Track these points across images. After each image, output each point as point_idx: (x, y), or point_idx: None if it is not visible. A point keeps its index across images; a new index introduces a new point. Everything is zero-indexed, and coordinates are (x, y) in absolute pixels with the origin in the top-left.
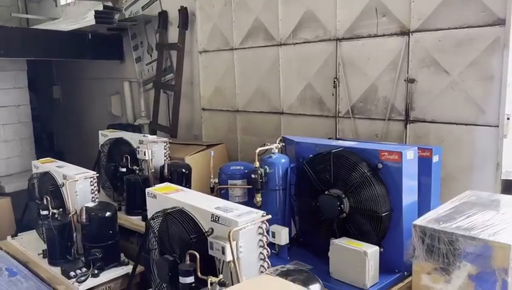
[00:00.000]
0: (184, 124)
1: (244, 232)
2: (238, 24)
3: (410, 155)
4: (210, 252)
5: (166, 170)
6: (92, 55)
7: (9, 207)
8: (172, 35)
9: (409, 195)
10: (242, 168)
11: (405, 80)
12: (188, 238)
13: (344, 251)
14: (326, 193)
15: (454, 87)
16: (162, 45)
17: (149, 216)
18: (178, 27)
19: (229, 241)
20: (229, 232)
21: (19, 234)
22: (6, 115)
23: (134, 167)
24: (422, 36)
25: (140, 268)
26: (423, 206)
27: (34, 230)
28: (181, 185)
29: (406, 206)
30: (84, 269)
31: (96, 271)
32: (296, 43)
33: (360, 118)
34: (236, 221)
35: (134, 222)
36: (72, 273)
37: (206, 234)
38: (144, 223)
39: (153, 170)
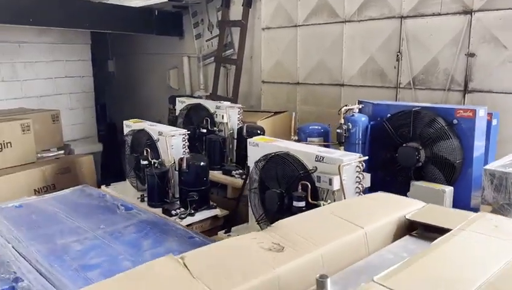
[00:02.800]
0: (241, 95)
1: (347, 168)
2: (303, 2)
3: (482, 113)
4: (317, 184)
5: (245, 131)
6: (157, 31)
7: (92, 163)
8: (234, 12)
9: (479, 148)
10: (319, 127)
11: (465, 54)
12: (295, 174)
13: (423, 190)
14: (404, 145)
15: None
16: (224, 22)
17: (250, 162)
18: (242, 5)
19: (339, 173)
20: (339, 165)
21: (111, 184)
22: (72, 85)
23: (214, 128)
24: (483, 15)
25: (224, 212)
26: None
27: (122, 182)
28: None
29: (476, 157)
30: (182, 209)
31: (192, 211)
32: (361, 20)
33: (420, 88)
34: (342, 159)
35: (215, 175)
36: (173, 212)
37: (310, 171)
38: (224, 175)
39: (231, 131)
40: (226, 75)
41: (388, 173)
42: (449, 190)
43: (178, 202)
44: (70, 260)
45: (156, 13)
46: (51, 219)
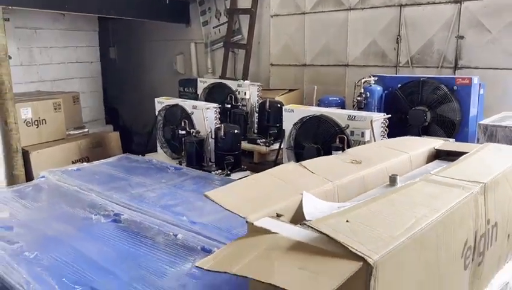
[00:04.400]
0: (250, 77)
1: (376, 123)
2: None
3: (475, 81)
4: (350, 138)
5: (267, 105)
6: (168, 18)
7: (118, 139)
8: (242, 0)
9: (473, 109)
10: (337, 98)
11: (456, 37)
12: (331, 131)
13: None
14: (413, 109)
15: (494, 42)
16: (233, 10)
17: (286, 126)
18: None
19: (371, 126)
20: (371, 120)
21: (146, 155)
22: (82, 70)
23: (238, 104)
24: (471, 4)
25: (253, 174)
26: None
27: (153, 153)
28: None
29: (471, 117)
30: (219, 171)
31: (228, 172)
32: (364, 8)
33: (417, 66)
34: (372, 116)
35: (242, 144)
36: (213, 172)
37: (344, 128)
38: (250, 144)
39: (254, 106)
40: (233, 59)
41: (399, 132)
42: (453, 140)
43: (214, 166)
44: (152, 202)
45: (167, 1)
46: (114, 177)
